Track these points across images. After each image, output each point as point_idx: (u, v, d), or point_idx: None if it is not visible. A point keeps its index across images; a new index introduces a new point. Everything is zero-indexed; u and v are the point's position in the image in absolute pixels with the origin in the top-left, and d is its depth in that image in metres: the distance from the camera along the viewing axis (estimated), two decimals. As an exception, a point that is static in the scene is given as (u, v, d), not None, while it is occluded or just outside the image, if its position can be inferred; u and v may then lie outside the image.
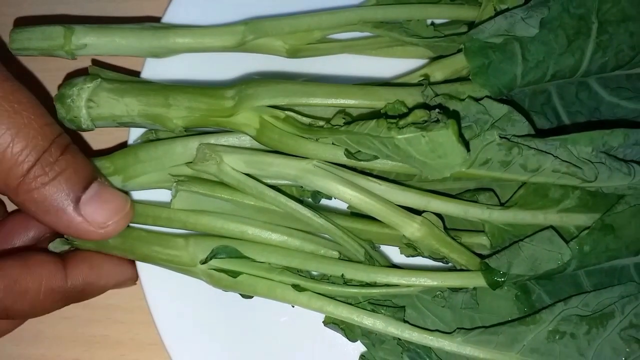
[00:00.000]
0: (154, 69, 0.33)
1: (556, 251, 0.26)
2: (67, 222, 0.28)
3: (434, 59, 0.33)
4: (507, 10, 0.29)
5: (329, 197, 0.30)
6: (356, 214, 0.31)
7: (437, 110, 0.24)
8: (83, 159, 0.29)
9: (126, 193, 0.30)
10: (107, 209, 0.28)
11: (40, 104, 0.28)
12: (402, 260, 0.32)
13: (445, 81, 0.31)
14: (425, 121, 0.24)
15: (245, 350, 0.33)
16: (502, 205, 0.29)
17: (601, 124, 0.29)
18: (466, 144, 0.25)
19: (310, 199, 0.31)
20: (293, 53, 0.33)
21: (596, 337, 0.26)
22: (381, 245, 0.31)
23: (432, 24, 0.34)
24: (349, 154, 0.27)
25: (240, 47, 0.33)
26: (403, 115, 0.25)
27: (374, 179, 0.29)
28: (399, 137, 0.25)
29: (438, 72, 0.32)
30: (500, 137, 0.26)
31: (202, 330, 0.33)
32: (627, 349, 0.26)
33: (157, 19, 0.34)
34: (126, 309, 0.37)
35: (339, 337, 0.31)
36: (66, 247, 0.31)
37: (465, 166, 0.27)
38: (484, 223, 0.29)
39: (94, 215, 0.28)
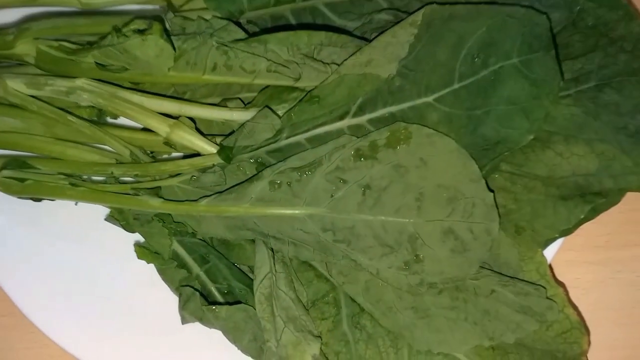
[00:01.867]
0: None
1: (269, 122, 0.33)
2: None
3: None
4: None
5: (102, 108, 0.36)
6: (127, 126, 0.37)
7: (150, 21, 0.31)
8: None
9: None
10: None
11: None
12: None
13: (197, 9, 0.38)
14: (145, 29, 0.31)
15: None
16: (245, 106, 0.36)
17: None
18: (172, 44, 0.31)
19: (95, 118, 0.38)
20: (86, 5, 0.40)
21: (307, 181, 0.33)
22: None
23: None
24: (101, 67, 0.33)
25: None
26: (128, 25, 0.32)
27: (135, 92, 0.35)
28: (126, 42, 0.31)
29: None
30: (218, 42, 0.33)
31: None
32: (334, 187, 0.33)
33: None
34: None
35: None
36: None
37: (198, 73, 0.34)
38: (230, 122, 0.36)
39: None
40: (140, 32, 0.31)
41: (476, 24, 0.33)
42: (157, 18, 0.32)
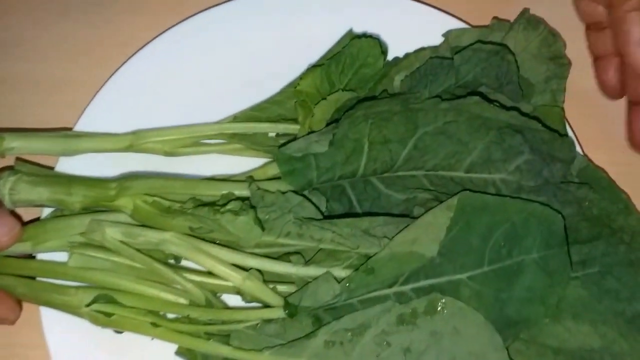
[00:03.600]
0: (66, 164, 0.46)
1: (330, 287, 0.39)
2: None
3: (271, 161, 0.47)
4: (311, 132, 0.44)
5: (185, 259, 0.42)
6: (204, 271, 0.43)
7: (246, 202, 0.37)
8: None
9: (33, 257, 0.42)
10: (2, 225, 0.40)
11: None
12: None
13: (273, 178, 0.44)
14: (240, 209, 0.38)
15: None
16: (305, 263, 0.42)
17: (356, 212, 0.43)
18: (261, 225, 0.38)
19: (173, 261, 0.43)
20: (170, 154, 0.47)
21: (357, 342, 0.38)
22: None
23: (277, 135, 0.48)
24: (192, 229, 0.39)
25: (130, 149, 0.46)
26: (226, 204, 0.38)
27: (214, 245, 0.41)
28: (222, 219, 0.37)
29: (270, 171, 0.45)
30: (295, 217, 0.39)
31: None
32: (379, 349, 0.38)
33: (70, 128, 0.47)
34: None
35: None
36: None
37: (273, 237, 0.40)
38: (292, 275, 0.42)
39: None
40: (235, 212, 0.37)
41: (503, 217, 0.40)
42: (249, 204, 0.38)
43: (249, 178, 0.42)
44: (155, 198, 0.41)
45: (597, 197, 0.45)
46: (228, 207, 0.37)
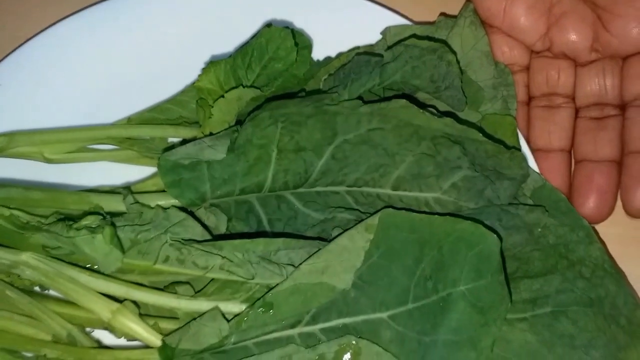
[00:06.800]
0: None
1: (217, 327, 0.32)
2: None
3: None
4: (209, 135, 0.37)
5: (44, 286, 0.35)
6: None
7: (104, 216, 0.30)
8: None
9: None
10: None
11: None
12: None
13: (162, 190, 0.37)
14: (97, 226, 0.30)
15: None
16: (194, 295, 0.35)
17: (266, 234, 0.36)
18: (121, 246, 0.31)
19: (38, 288, 0.36)
20: (51, 160, 0.40)
21: None
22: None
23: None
24: (48, 249, 0.32)
25: (2, 152, 0.39)
26: (81, 218, 0.31)
27: (83, 270, 0.34)
28: (76, 237, 0.30)
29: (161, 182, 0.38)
30: (172, 239, 0.32)
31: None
32: None
33: None
34: None
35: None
36: None
37: (150, 262, 0.33)
38: (176, 310, 0.34)
39: None
40: (91, 230, 0.30)
41: (430, 244, 0.33)
42: (110, 219, 0.31)
43: (125, 190, 0.35)
44: (13, 211, 0.34)
45: (553, 223, 0.38)
46: (83, 222, 0.30)
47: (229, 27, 0.42)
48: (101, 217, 0.31)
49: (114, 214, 0.33)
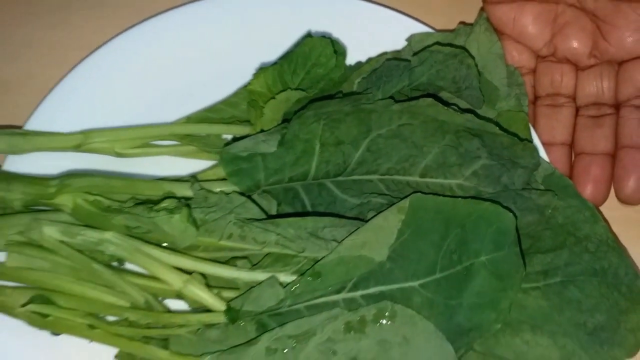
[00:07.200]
0: (13, 164, 0.45)
1: (275, 292, 0.37)
2: None
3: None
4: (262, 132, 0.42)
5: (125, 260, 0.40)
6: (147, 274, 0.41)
7: (181, 200, 0.36)
8: None
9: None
10: None
11: None
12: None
13: (222, 179, 0.43)
14: (175, 208, 0.36)
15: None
16: (251, 268, 0.40)
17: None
18: (196, 224, 0.36)
19: (116, 263, 0.42)
20: (121, 154, 0.45)
21: (300, 350, 0.36)
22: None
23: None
24: (129, 228, 0.38)
25: (79, 148, 0.45)
26: (160, 202, 0.37)
27: (156, 247, 0.40)
28: (155, 217, 0.36)
29: (220, 172, 0.43)
30: (236, 218, 0.38)
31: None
32: (324, 358, 0.36)
33: (19, 127, 0.46)
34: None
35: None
36: None
37: (215, 239, 0.39)
38: (237, 280, 0.40)
39: None
40: (170, 210, 0.35)
41: (455, 221, 0.38)
42: (184, 202, 0.37)
43: (192, 178, 0.41)
44: (96, 197, 0.40)
45: (562, 205, 0.43)
46: (162, 205, 0.36)
47: (273, 38, 0.48)
48: (177, 201, 0.37)
49: (184, 199, 0.39)
